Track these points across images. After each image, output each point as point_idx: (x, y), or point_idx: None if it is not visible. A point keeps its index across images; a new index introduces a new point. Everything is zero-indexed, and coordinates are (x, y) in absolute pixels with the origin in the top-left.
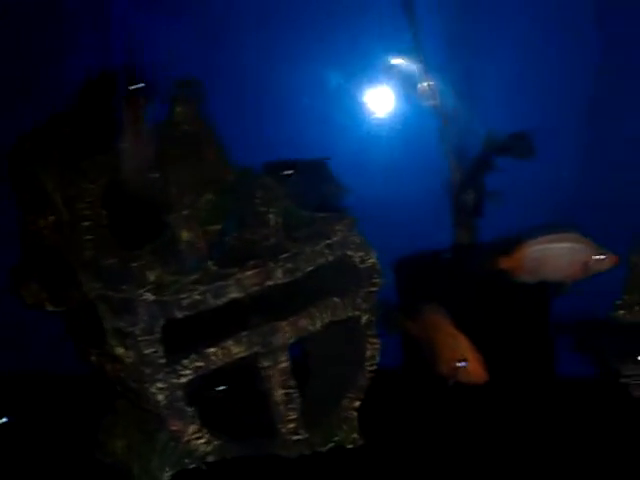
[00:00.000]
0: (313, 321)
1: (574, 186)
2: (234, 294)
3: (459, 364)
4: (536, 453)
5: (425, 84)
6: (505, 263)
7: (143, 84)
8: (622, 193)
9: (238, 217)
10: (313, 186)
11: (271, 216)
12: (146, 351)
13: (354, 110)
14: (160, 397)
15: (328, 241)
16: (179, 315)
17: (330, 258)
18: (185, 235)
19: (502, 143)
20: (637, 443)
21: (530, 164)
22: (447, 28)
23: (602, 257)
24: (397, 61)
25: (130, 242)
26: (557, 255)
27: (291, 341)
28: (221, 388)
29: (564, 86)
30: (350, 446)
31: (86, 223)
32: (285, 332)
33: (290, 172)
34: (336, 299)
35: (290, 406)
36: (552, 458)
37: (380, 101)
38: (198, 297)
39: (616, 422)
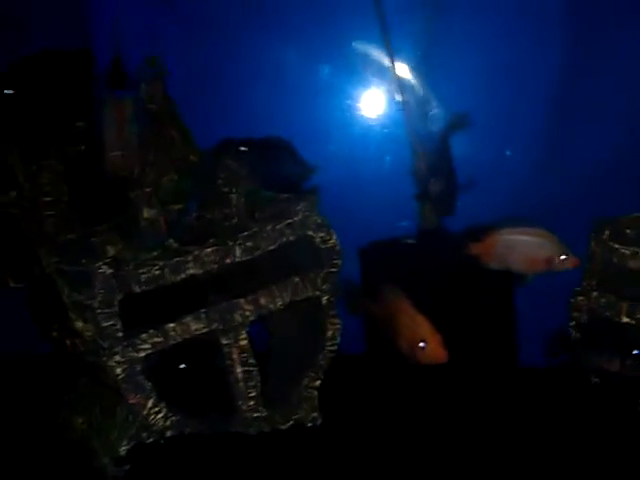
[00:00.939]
0: (273, 300)
1: (537, 177)
2: (192, 270)
3: (419, 345)
4: (494, 436)
5: (391, 74)
6: (475, 249)
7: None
8: (584, 185)
9: (201, 197)
10: (275, 165)
11: (233, 196)
12: (104, 324)
13: (321, 97)
14: (118, 370)
15: (289, 221)
16: (137, 289)
17: (291, 238)
18: (146, 212)
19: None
20: (593, 429)
21: (494, 156)
22: (414, 22)
23: (564, 257)
24: (363, 50)
25: (93, 218)
26: (524, 247)
27: (251, 319)
28: (181, 366)
29: (528, 80)
30: (310, 424)
31: (47, 198)
32: (245, 310)
33: (245, 148)
34: (297, 279)
35: (250, 383)
36: (508, 439)
37: (347, 88)
38: (156, 272)
39: (574, 409)
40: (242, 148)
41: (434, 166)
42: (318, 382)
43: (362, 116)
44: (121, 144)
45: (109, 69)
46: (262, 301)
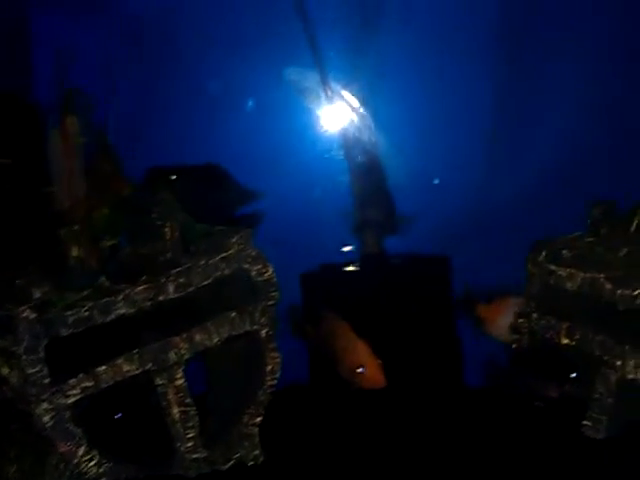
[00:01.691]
0: (209, 336)
1: (474, 201)
2: (123, 310)
3: (357, 370)
4: (440, 460)
5: (330, 100)
6: (483, 312)
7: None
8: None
9: (134, 232)
10: (210, 194)
11: (167, 230)
12: (30, 371)
13: (260, 124)
14: (46, 418)
15: (224, 254)
16: (64, 332)
17: (226, 272)
18: (75, 251)
19: None
20: (536, 449)
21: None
22: (350, 46)
23: None
24: (302, 77)
25: (20, 258)
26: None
27: (186, 357)
28: (117, 416)
29: (463, 108)
30: (251, 463)
31: None
32: (179, 348)
33: (175, 177)
34: (234, 313)
35: (188, 424)
36: (455, 464)
37: (286, 115)
38: (85, 314)
39: (516, 430)
40: (173, 177)
41: (371, 192)
42: (259, 419)
43: (303, 142)
44: (67, 177)
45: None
46: (197, 338)
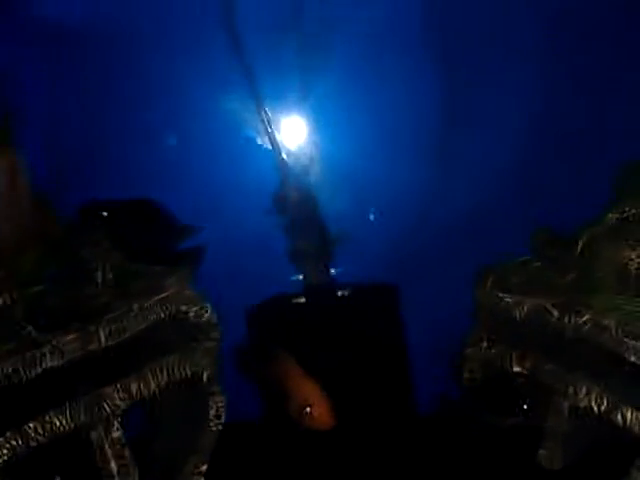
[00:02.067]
0: (147, 384)
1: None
2: (51, 363)
3: (306, 410)
4: None
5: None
6: None
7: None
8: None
9: (64, 276)
10: (145, 231)
11: (99, 273)
12: None
13: (197, 155)
14: None
15: (160, 297)
16: None
17: (162, 315)
18: None
19: None
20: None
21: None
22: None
23: None
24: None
25: None
26: None
27: (123, 408)
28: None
29: (412, 122)
30: None
31: None
32: (114, 399)
33: (105, 213)
34: (172, 358)
35: (127, 478)
36: None
37: (225, 146)
38: (9, 369)
39: (471, 461)
40: (104, 213)
41: (302, 222)
42: (204, 467)
43: (242, 172)
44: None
45: None
46: (134, 387)
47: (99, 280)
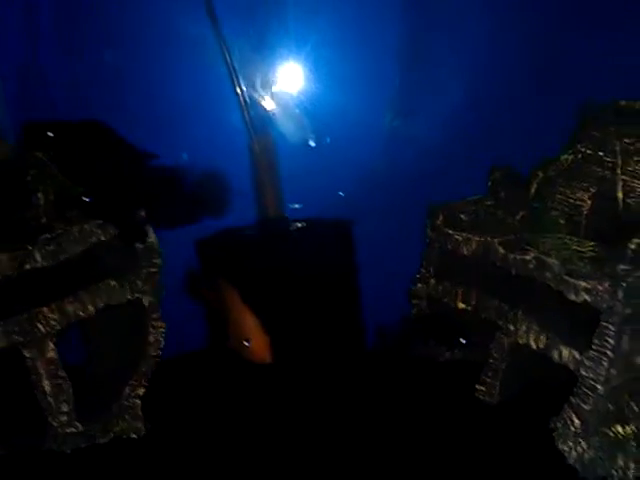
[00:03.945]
0: (84, 306)
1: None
2: None
3: (244, 342)
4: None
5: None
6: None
7: None
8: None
9: (5, 196)
10: (93, 153)
11: (40, 195)
12: None
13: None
14: None
15: (100, 220)
16: None
17: (103, 238)
18: None
19: None
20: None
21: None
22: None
23: None
24: None
25: None
26: None
27: (58, 328)
28: None
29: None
30: (134, 436)
31: None
32: (49, 319)
33: (51, 133)
34: (113, 282)
35: (61, 398)
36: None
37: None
38: None
39: (411, 394)
40: (49, 134)
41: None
42: (141, 390)
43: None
44: None
45: None
46: (69, 309)
47: (40, 202)
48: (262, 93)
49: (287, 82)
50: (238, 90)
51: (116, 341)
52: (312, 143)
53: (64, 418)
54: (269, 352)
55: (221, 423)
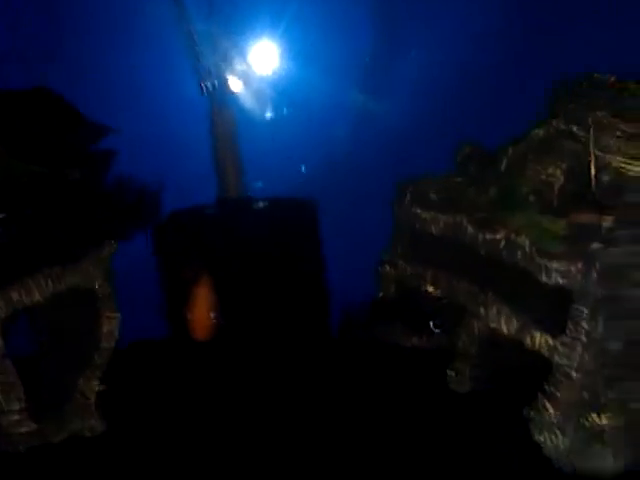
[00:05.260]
0: (29, 293)
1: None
2: None
3: (187, 317)
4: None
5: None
6: None
7: None
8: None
9: None
10: (41, 125)
11: None
12: None
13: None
14: None
15: None
16: None
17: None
18: None
19: None
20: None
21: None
22: None
23: None
24: None
25: None
26: None
27: (2, 316)
28: None
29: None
30: (88, 434)
31: None
32: None
33: None
34: (58, 267)
35: (11, 395)
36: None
37: None
38: None
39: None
40: None
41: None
42: (96, 384)
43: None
44: None
45: None
46: (15, 295)
47: None
48: (226, 67)
49: (254, 57)
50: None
51: (68, 332)
52: (268, 113)
53: (15, 417)
54: (207, 330)
55: (181, 416)
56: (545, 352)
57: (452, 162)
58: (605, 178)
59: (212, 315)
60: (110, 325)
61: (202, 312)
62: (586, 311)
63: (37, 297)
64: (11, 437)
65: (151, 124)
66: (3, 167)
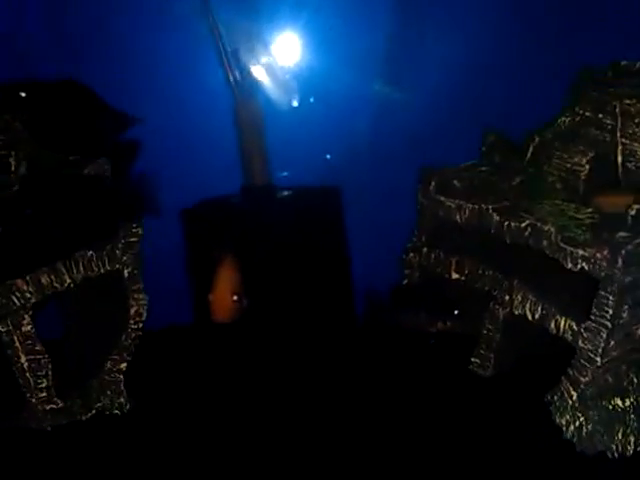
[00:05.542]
0: (60, 278)
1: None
2: None
3: (210, 299)
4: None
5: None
6: None
7: None
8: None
9: None
10: (71, 116)
11: (12, 160)
12: None
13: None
14: None
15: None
16: None
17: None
18: None
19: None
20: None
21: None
22: None
23: None
24: None
25: None
26: None
27: (33, 301)
28: None
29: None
30: (116, 412)
31: None
32: (23, 291)
33: (24, 94)
34: (90, 252)
35: (39, 373)
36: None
37: None
38: None
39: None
40: (22, 94)
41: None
42: (124, 365)
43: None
44: None
45: None
46: (46, 280)
47: (12, 168)
48: (251, 58)
49: (277, 48)
50: (224, 53)
51: (96, 314)
52: (295, 103)
53: (43, 394)
54: (230, 312)
55: (206, 398)
56: (569, 337)
57: (475, 151)
58: (631, 166)
59: (234, 297)
60: (138, 307)
61: (223, 293)
62: (611, 298)
63: (67, 282)
64: (38, 414)
65: (177, 115)
66: (34, 157)
